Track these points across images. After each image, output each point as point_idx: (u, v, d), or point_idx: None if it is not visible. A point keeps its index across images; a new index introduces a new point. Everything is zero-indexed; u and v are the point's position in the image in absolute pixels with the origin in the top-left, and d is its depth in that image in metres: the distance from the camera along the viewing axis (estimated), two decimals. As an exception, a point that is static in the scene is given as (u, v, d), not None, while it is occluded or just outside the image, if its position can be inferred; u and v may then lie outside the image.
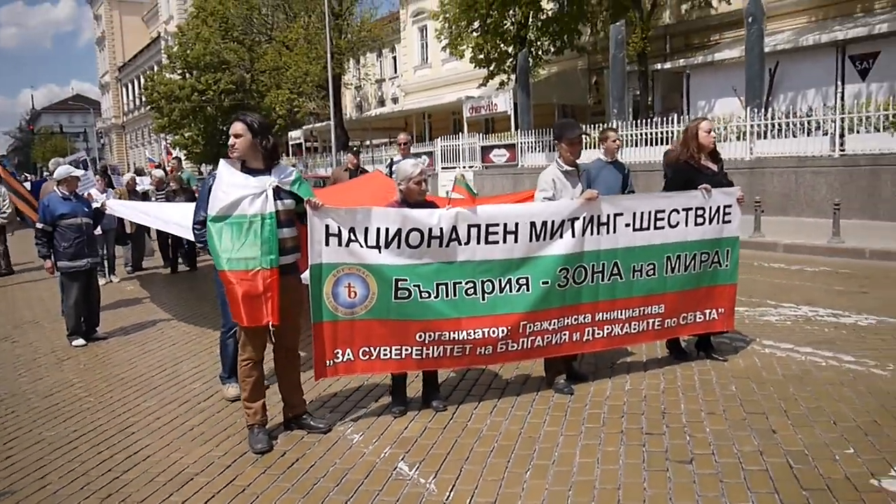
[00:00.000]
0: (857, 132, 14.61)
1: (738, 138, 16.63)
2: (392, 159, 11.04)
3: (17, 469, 4.35)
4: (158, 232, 12.15)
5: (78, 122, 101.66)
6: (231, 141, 4.21)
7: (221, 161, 4.39)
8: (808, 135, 15.30)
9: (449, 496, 3.66)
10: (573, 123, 5.30)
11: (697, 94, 21.34)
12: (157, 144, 64.98)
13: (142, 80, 63.33)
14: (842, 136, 14.65)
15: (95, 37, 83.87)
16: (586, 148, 19.01)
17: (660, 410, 4.67)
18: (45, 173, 36.27)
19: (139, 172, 18.11)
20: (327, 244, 4.45)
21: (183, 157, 14.34)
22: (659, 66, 22.44)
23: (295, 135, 40.65)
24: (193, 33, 37.42)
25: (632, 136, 18.27)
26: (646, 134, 17.96)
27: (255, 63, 36.78)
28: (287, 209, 4.31)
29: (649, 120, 18.35)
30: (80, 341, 7.47)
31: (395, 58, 40.70)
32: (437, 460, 4.11)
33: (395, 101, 40.17)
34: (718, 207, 5.40)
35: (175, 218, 7.54)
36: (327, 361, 4.57)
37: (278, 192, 4.26)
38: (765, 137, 15.96)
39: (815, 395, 4.81)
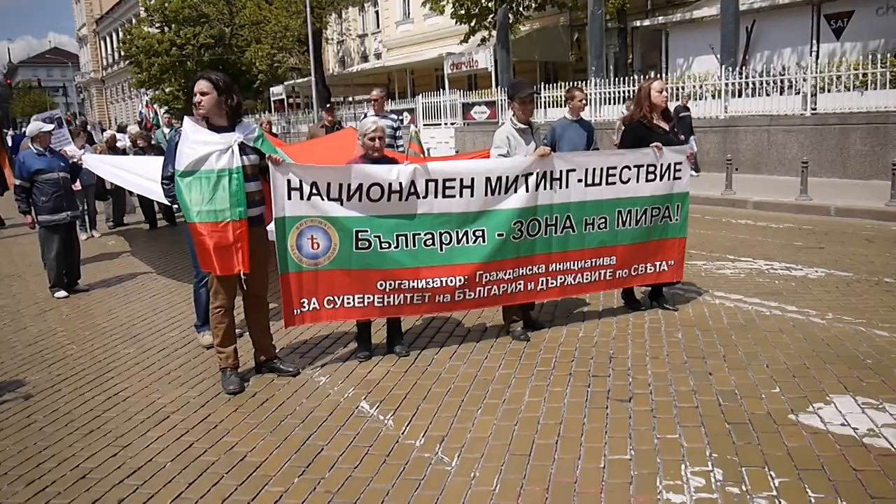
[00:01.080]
0: (829, 91, 14.88)
1: (713, 96, 16.85)
2: (365, 115, 11.14)
3: (4, 409, 4.61)
4: (138, 187, 12.32)
5: (56, 75, 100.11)
6: (197, 98, 4.40)
7: (186, 118, 4.59)
8: (782, 93, 15.56)
9: (404, 430, 3.97)
10: (525, 83, 5.52)
11: (676, 52, 21.51)
12: (137, 99, 64.28)
13: (120, 33, 62.46)
14: (814, 95, 14.91)
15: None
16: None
17: (607, 355, 4.99)
18: (23, 129, 36.08)
19: (121, 129, 18.08)
20: (289, 198, 4.67)
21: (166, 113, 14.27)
22: (638, 23, 22.51)
23: (277, 90, 40.37)
24: (171, -15, 36.89)
25: (611, 93, 18.39)
26: (625, 91, 18.09)
27: (234, 17, 36.41)
28: (252, 164, 4.53)
29: (628, 77, 18.50)
30: (62, 293, 7.70)
31: (377, 12, 40.28)
32: (397, 400, 4.41)
33: (377, 56, 39.90)
34: (669, 164, 5.65)
35: (149, 174, 7.71)
36: (294, 310, 4.84)
37: (243, 148, 4.47)
38: (739, 96, 16.19)
39: (754, 341, 5.14)
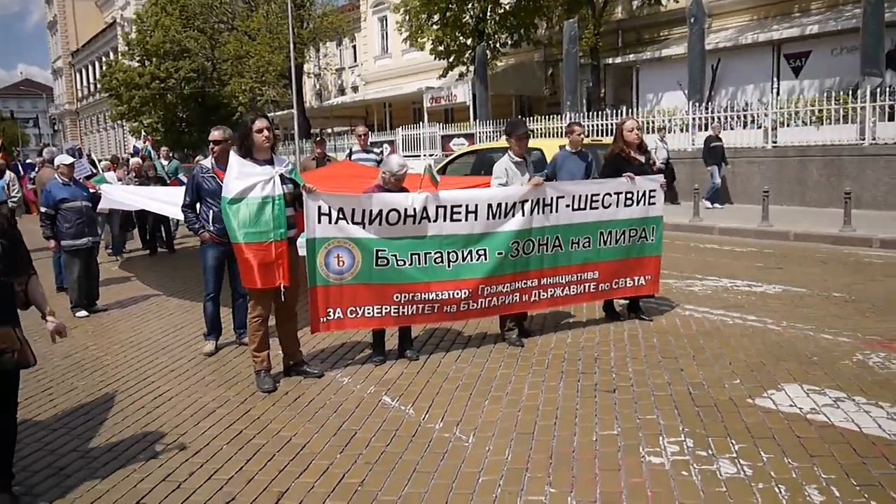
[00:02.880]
0: (788, 126, 15.95)
1: (681, 130, 17.89)
2: (351, 149, 11.92)
3: (62, 408, 5.22)
4: (137, 216, 12.94)
5: (28, 107, 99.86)
6: (265, 134, 5.16)
7: (231, 153, 5.32)
8: (745, 127, 16.64)
9: (424, 417, 4.67)
10: (521, 123, 6.36)
11: (646, 88, 22.60)
12: (112, 131, 64.56)
13: (97, 66, 62.84)
14: (774, 129, 15.97)
15: (47, 21, 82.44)
16: (545, 137, 20.19)
17: (593, 357, 5.73)
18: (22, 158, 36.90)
19: (114, 161, 18.62)
20: (319, 222, 5.40)
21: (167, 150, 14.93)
22: (610, 60, 23.63)
23: (256, 123, 40.97)
24: (153, 21, 37.60)
25: (585, 126, 19.32)
26: (597, 126, 19.06)
27: (216, 51, 37.14)
28: (290, 192, 5.25)
29: (600, 112, 19.51)
30: (83, 312, 8.28)
31: (354, 47, 41.30)
32: (413, 395, 5.10)
33: (354, 89, 40.83)
34: (644, 192, 6.47)
35: (170, 199, 8.40)
36: (321, 319, 5.55)
37: (282, 178, 5.20)
38: (705, 129, 17.21)
39: (719, 344, 5.92)
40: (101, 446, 4.49)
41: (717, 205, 15.58)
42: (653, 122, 18.15)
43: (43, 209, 8.38)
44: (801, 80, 19.11)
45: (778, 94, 18.72)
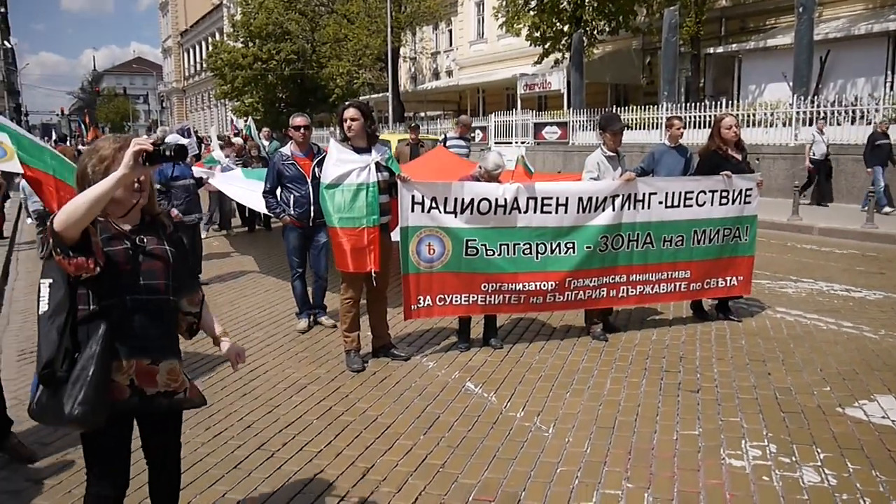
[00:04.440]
0: (901, 122, 15.14)
1: (784, 124, 17.25)
2: (446, 135, 12.16)
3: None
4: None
5: (139, 84, 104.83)
6: (347, 124, 5.31)
7: (332, 140, 5.53)
8: (852, 123, 15.89)
9: (506, 405, 4.78)
10: (616, 117, 6.31)
11: (749, 79, 21.86)
12: (215, 109, 66.98)
13: (203, 46, 65.31)
14: (887, 125, 15.17)
15: (159, 2, 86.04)
16: (639, 129, 19.86)
17: (678, 356, 5.71)
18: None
19: (221, 139, 19.36)
20: (412, 210, 5.57)
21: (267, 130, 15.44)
22: (712, 49, 22.94)
23: (352, 105, 41.80)
24: (257, 3, 38.75)
25: (683, 118, 18.84)
26: (695, 117, 18.59)
27: (315, 34, 38.01)
28: (385, 180, 5.43)
29: (699, 103, 19.02)
30: (187, 286, 8.74)
31: (450, 31, 41.39)
32: (496, 383, 5.22)
33: (449, 73, 41.01)
34: (740, 190, 6.34)
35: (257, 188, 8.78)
36: (412, 306, 5.73)
37: (378, 166, 5.37)
38: (810, 124, 16.55)
39: (811, 349, 5.79)
40: (199, 413, 4.78)
41: (889, 208, 14.15)
42: (754, 115, 17.56)
43: (157, 186, 8.88)
44: (917, 74, 18.13)
45: (892, 88, 17.79)
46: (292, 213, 6.54)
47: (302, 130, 6.53)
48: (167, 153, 2.36)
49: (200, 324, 2.85)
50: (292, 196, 6.51)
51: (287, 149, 6.70)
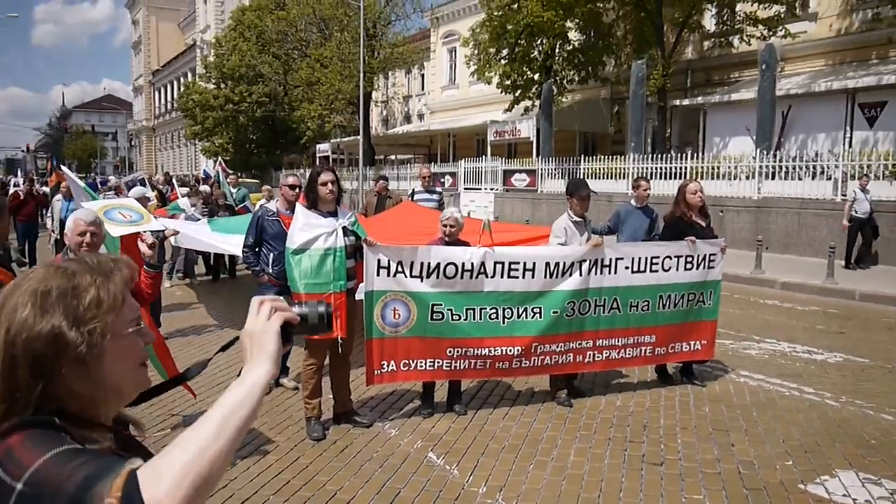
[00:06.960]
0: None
1: (747, 177, 17.59)
2: (413, 190, 12.08)
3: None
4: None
5: (108, 121, 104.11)
6: (329, 188, 5.27)
7: (297, 205, 5.49)
8: (813, 178, 16.25)
9: (469, 479, 4.69)
10: (583, 183, 6.35)
11: (713, 131, 22.31)
12: (185, 148, 66.74)
13: (175, 86, 65.27)
14: (845, 181, 15.55)
15: (132, 41, 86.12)
16: (607, 179, 20.08)
17: (642, 424, 5.68)
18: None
19: (184, 184, 19.24)
20: (378, 275, 5.52)
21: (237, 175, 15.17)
22: (678, 101, 23.42)
23: (323, 147, 41.96)
24: (230, 45, 39.00)
25: (647, 168, 19.17)
26: (660, 168, 18.88)
27: (288, 77, 38.22)
28: (351, 244, 5.39)
29: (666, 154, 19.34)
30: (147, 340, 8.56)
31: (423, 75, 41.90)
32: (459, 453, 5.14)
33: (420, 117, 41.40)
34: (704, 255, 6.41)
35: (233, 239, 8.65)
36: (375, 371, 5.65)
37: (345, 231, 5.33)
38: (772, 178, 16.89)
39: (773, 418, 5.80)
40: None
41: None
42: (718, 168, 17.89)
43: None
44: (875, 130, 18.61)
45: (850, 144, 18.26)
46: (270, 271, 6.34)
47: (297, 190, 6.38)
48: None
49: None
50: (272, 254, 6.29)
51: (273, 205, 6.59)
